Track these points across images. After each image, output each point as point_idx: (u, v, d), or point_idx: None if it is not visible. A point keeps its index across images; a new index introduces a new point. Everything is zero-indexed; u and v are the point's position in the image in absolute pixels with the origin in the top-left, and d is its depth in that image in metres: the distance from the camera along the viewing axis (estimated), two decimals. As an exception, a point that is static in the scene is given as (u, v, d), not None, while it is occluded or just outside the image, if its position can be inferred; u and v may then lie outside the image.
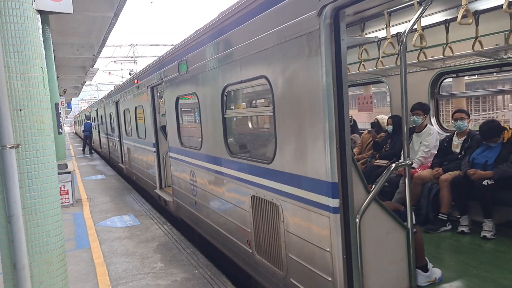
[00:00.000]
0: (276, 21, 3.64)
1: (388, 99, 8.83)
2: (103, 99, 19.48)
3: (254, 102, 6.59)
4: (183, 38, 6.42)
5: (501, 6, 3.89)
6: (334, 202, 3.14)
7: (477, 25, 4.84)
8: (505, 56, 5.32)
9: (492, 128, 5.13)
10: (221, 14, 4.85)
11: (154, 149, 9.01)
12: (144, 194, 11.05)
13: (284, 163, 3.77)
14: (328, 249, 3.25)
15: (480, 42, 4.92)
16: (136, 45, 33.13)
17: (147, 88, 8.97)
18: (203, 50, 5.44)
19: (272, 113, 3.90)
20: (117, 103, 14.44)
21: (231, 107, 5.46)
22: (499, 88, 30.24)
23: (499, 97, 31.13)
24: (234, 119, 6.16)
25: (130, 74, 23.14)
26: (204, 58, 5.42)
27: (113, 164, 17.53)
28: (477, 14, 4.81)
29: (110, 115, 16.71)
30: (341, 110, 3.10)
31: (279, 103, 3.78)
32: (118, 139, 14.99)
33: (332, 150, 3.11)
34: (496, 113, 29.51)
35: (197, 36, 5.63)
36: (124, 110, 13.07)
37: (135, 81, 10.45)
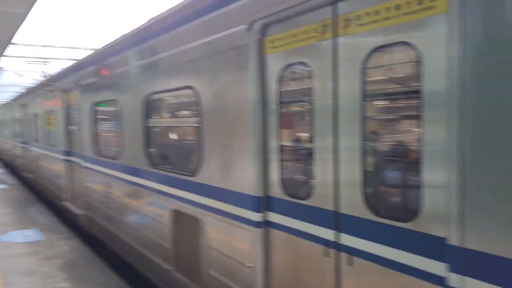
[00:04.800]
0: (205, 32, 3.58)
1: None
2: (11, 102, 17.94)
3: (179, 112, 6.42)
4: (105, 43, 6.10)
5: None
6: (258, 217, 3.11)
7: None
8: None
9: None
10: (150, 20, 4.69)
11: (65, 158, 8.37)
12: (53, 206, 10.18)
13: (208, 176, 3.67)
14: (250, 265, 3.20)
15: None
16: (49, 46, 30.95)
17: (61, 92, 8.37)
18: (126, 56, 5.20)
19: (198, 125, 3.81)
20: (25, 107, 13.31)
21: (154, 117, 5.26)
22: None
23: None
24: (157, 129, 5.94)
25: (44, 76, 21.54)
26: (126, 64, 5.18)
27: (19, 173, 16.01)
28: None
29: (17, 120, 15.34)
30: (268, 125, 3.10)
31: (205, 115, 3.70)
32: (25, 146, 13.78)
33: (258, 164, 3.10)
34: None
35: (120, 42, 5.38)
36: (33, 115, 12.05)
37: (47, 84, 9.73)
